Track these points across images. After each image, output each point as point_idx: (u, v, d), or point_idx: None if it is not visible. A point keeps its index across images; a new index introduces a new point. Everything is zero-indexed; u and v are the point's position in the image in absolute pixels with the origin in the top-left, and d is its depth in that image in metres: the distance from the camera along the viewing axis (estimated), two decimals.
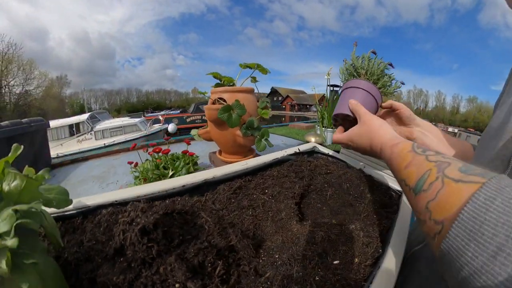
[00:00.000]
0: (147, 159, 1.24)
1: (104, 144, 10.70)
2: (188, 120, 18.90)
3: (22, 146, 0.42)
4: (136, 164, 1.20)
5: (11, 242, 0.31)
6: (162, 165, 1.14)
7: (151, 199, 0.53)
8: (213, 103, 1.11)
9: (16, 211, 0.34)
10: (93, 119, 11.85)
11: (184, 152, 1.18)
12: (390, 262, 0.42)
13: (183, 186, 0.56)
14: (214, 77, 1.22)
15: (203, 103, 20.42)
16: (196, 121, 19.05)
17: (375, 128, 0.56)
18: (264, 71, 1.22)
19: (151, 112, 30.72)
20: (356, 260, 0.43)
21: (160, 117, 15.88)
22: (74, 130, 11.14)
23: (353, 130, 0.61)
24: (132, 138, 11.50)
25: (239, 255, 0.38)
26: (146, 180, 1.04)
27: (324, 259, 0.42)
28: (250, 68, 1.19)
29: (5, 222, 0.32)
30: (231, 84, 1.19)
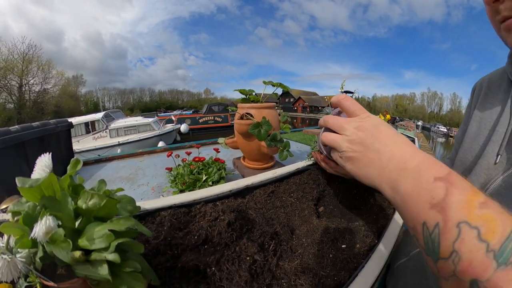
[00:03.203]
0: (179, 165, 1.44)
1: (119, 142, 11.08)
2: (200, 120, 19.22)
3: (81, 162, 0.47)
4: (171, 169, 1.40)
5: (112, 256, 0.36)
6: (195, 170, 1.34)
7: (206, 202, 0.71)
8: (241, 117, 1.30)
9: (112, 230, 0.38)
10: (108, 118, 12.20)
11: (216, 160, 1.38)
12: (382, 249, 0.60)
13: (230, 190, 0.75)
14: (241, 93, 1.42)
15: (215, 104, 20.66)
16: (209, 122, 19.34)
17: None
18: (285, 88, 1.42)
19: (164, 112, 31.18)
20: (358, 245, 0.61)
21: (173, 117, 16.16)
22: (89, 127, 11.51)
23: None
24: (145, 137, 11.82)
25: (281, 238, 0.57)
26: (185, 184, 1.24)
27: (335, 244, 0.60)
28: (273, 86, 1.39)
29: (102, 240, 0.37)
30: (257, 101, 1.38)
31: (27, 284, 0.50)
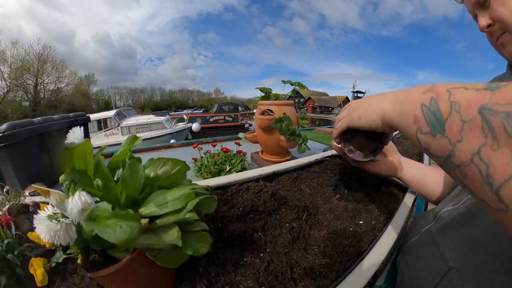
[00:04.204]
0: (202, 157, 1.55)
1: None
2: (211, 119, 19.41)
3: (141, 138, 0.46)
4: (196, 159, 1.51)
5: (190, 214, 0.37)
6: (219, 161, 1.44)
7: (240, 183, 0.82)
8: (262, 113, 1.40)
9: (193, 189, 0.39)
10: (120, 115, 12.43)
11: (238, 152, 1.49)
12: (394, 225, 0.69)
13: (260, 175, 0.86)
14: (261, 91, 1.52)
15: (225, 103, 20.82)
16: (219, 121, 19.51)
17: None
18: (302, 87, 1.52)
19: (175, 111, 31.55)
20: (373, 222, 0.71)
21: (185, 116, 16.34)
22: (102, 125, 11.77)
23: None
24: (157, 135, 11.95)
25: (310, 212, 0.67)
26: (210, 173, 1.35)
27: (354, 220, 0.70)
28: (292, 84, 1.49)
29: (178, 201, 0.37)
30: (276, 98, 1.49)
31: (66, 256, 0.51)
